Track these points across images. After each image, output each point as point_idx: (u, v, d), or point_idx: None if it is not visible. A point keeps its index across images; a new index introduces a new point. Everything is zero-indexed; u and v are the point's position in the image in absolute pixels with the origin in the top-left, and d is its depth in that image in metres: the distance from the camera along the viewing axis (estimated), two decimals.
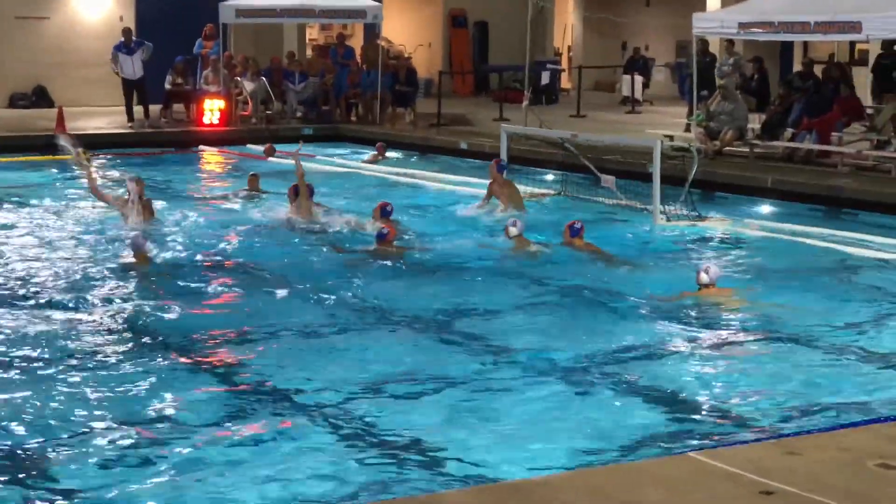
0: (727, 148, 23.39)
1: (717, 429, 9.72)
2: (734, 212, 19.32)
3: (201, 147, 26.79)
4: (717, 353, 11.97)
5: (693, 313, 13.21)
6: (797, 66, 29.48)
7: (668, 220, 18.36)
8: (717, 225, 18.31)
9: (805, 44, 30.67)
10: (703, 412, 10.15)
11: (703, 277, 13.56)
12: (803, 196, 20.37)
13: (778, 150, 23.38)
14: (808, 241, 17.16)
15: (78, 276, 14.69)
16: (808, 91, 24.11)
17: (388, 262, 15.46)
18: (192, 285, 14.42)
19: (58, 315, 12.96)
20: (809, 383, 10.96)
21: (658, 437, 9.49)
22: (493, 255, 16.13)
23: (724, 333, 12.60)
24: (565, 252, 16.04)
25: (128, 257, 15.27)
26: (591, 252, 15.99)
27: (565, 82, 38.24)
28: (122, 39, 28.35)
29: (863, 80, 26.12)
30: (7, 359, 11.38)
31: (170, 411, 10.07)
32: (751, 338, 12.48)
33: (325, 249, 16.42)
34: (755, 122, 24.34)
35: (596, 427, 9.74)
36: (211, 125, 27.76)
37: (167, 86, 28.62)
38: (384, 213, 17.44)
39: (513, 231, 16.09)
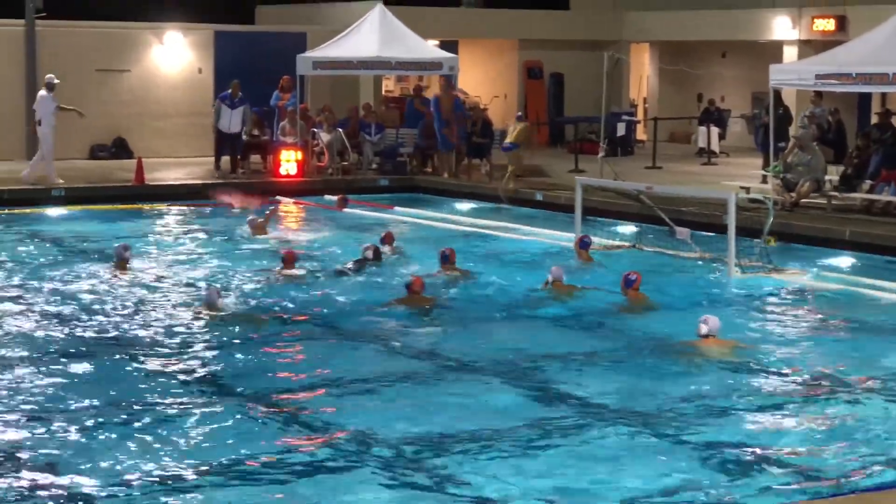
0: (804, 200, 23.22)
1: (789, 483, 9.63)
2: (811, 264, 19.14)
3: (278, 198, 26.95)
4: (781, 404, 11.91)
5: (732, 364, 13.19)
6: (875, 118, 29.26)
7: (744, 272, 18.24)
8: (793, 277, 18.16)
9: (883, 94, 30.43)
10: (775, 465, 10.05)
11: (703, 329, 13.50)
12: (882, 248, 20.16)
13: (856, 201, 23.19)
14: (887, 294, 16.98)
15: (151, 326, 14.87)
16: (886, 142, 23.92)
17: (432, 311, 15.80)
18: (261, 336, 14.55)
19: (132, 364, 13.13)
20: (879, 436, 10.85)
21: (730, 492, 9.41)
22: (536, 302, 16.37)
23: (782, 384, 12.55)
24: (611, 300, 16.25)
25: (201, 309, 15.44)
26: (641, 302, 16.14)
27: (641, 134, 38.17)
28: (230, 91, 28.59)
29: None
30: (82, 404, 11.52)
31: (240, 457, 10.17)
32: (816, 388, 12.41)
33: (382, 296, 16.59)
34: (833, 173, 24.16)
35: (659, 480, 9.69)
36: (287, 176, 27.94)
37: (244, 137, 28.87)
38: (444, 258, 17.92)
39: (550, 277, 16.66)
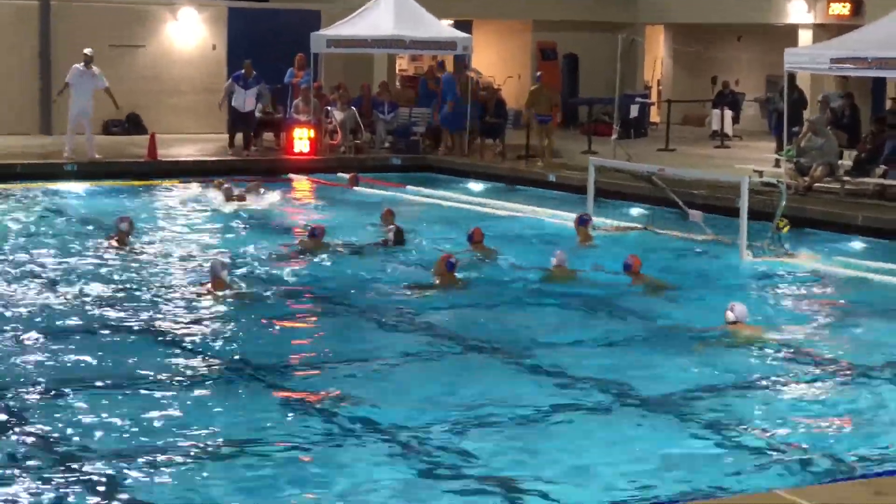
0: (817, 184, 23.18)
1: (801, 466, 9.63)
2: (823, 249, 19.12)
3: (290, 175, 26.99)
4: (794, 388, 11.91)
5: (749, 349, 13.17)
6: (889, 103, 29.19)
7: (755, 255, 18.22)
8: (805, 261, 18.13)
9: None
10: (787, 449, 10.05)
11: (729, 316, 13.52)
12: (894, 233, 20.13)
13: (869, 186, 23.15)
14: None
15: (158, 300, 14.90)
16: None
17: (453, 292, 15.73)
18: (268, 311, 14.55)
19: (135, 337, 13.19)
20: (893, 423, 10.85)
21: (742, 474, 9.42)
22: (545, 285, 16.34)
23: (794, 369, 12.56)
24: (616, 283, 16.21)
25: (206, 283, 15.46)
26: (648, 284, 16.12)
27: (654, 116, 38.12)
28: (243, 71, 28.56)
29: None
30: (87, 381, 11.55)
31: (243, 431, 10.21)
32: (828, 373, 12.41)
33: (397, 277, 16.66)
34: (846, 158, 24.10)
35: (677, 462, 9.69)
36: (300, 154, 27.95)
37: (258, 114, 28.87)
38: (469, 237, 18.13)
39: (554, 261, 16.61)
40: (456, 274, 16.06)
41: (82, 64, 26.38)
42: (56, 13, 30.81)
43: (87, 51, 26.53)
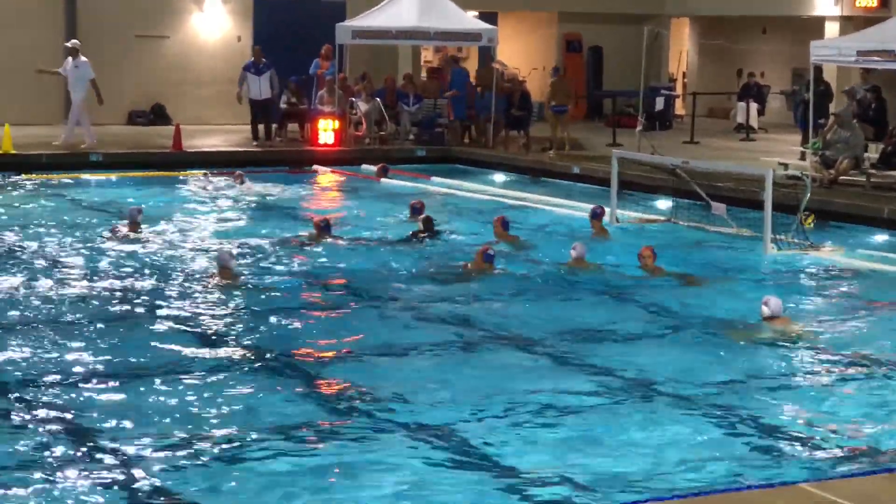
0: (843, 177, 23.08)
1: (827, 460, 9.60)
2: (848, 242, 19.05)
3: (315, 166, 27.00)
4: (821, 382, 11.88)
5: (777, 343, 13.10)
6: None
7: (780, 248, 18.17)
8: (829, 255, 18.07)
9: None
10: (813, 442, 10.03)
11: (765, 311, 13.48)
12: None
13: (895, 179, 23.04)
14: None
15: (166, 290, 14.92)
16: None
17: (483, 281, 15.76)
18: (281, 302, 14.57)
19: (143, 327, 13.22)
20: None
21: (768, 467, 9.40)
22: (565, 277, 16.26)
23: (822, 363, 12.50)
24: (637, 276, 16.19)
25: (213, 272, 15.50)
26: (664, 275, 16.09)
27: (679, 108, 38.01)
28: (252, 59, 28.63)
29: None
30: (101, 370, 11.58)
31: (260, 422, 10.21)
32: (855, 367, 12.36)
33: (421, 266, 16.73)
34: (872, 151, 24.00)
35: (703, 455, 9.66)
36: (325, 145, 27.96)
37: (282, 105, 28.90)
38: (504, 225, 18.18)
39: (573, 254, 16.56)
40: (494, 265, 16.12)
41: (70, 57, 26.51)
42: (82, 3, 30.88)
43: (70, 43, 26.63)
